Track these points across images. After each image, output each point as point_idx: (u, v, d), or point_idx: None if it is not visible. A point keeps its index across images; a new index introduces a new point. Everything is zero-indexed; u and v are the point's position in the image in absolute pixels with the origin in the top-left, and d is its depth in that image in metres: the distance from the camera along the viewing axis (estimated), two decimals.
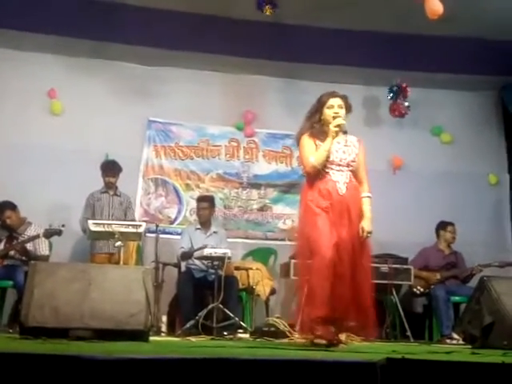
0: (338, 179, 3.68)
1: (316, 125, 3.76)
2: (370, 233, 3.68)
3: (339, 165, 3.70)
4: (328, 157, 3.68)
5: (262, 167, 6.98)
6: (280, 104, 6.87)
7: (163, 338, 4.67)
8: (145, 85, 6.71)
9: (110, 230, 4.74)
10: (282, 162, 7.00)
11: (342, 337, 3.72)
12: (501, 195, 7.18)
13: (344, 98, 3.79)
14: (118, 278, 3.82)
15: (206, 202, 5.97)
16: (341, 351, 3.22)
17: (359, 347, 3.69)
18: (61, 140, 6.33)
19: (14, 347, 2.95)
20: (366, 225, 3.68)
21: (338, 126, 3.67)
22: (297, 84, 7.03)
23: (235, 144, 6.99)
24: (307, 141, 3.74)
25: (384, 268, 5.71)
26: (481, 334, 4.09)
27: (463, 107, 7.24)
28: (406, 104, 7.00)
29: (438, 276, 5.93)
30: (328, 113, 3.71)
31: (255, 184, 6.92)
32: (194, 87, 6.81)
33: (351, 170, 3.73)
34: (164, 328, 5.51)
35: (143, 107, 6.65)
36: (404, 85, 6.97)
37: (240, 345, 3.87)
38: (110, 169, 5.82)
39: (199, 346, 3.55)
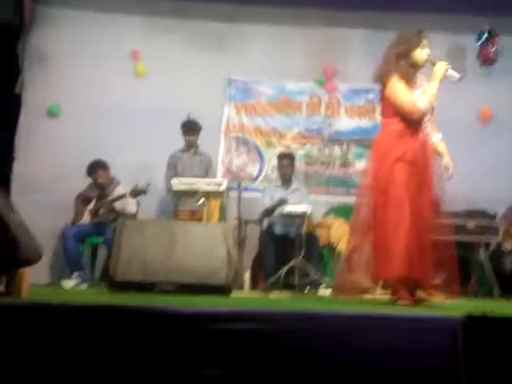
0: (427, 130, 3.52)
1: (403, 67, 3.47)
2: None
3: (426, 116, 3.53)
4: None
5: (344, 123, 6.86)
6: (362, 56, 6.66)
7: (245, 293, 4.77)
8: (225, 42, 6.71)
9: (193, 188, 4.84)
10: (364, 117, 6.85)
11: (425, 294, 3.62)
12: None
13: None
14: (200, 234, 3.95)
15: (287, 160, 5.98)
16: (422, 307, 3.17)
17: (443, 304, 3.61)
18: (145, 101, 6.46)
19: (102, 300, 3.12)
20: (449, 162, 3.55)
21: (447, 70, 3.46)
22: (380, 34, 6.74)
23: (316, 100, 6.89)
24: (401, 82, 3.43)
25: (470, 225, 5.53)
26: None
27: None
28: (495, 49, 6.65)
29: None
30: (421, 53, 3.47)
31: (337, 140, 6.83)
32: (273, 43, 6.75)
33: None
34: (247, 284, 5.62)
35: (224, 65, 6.65)
36: (494, 31, 6.62)
37: (319, 301, 3.90)
38: (190, 128, 5.93)
39: (279, 301, 3.60)
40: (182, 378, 2.23)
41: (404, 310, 2.90)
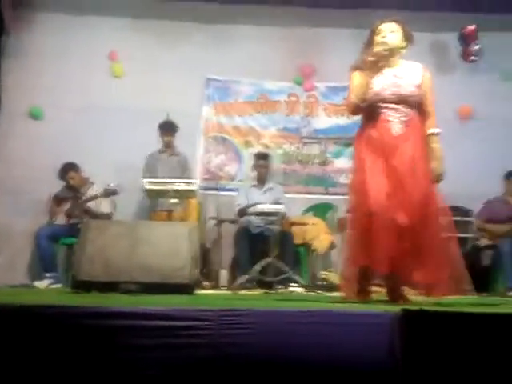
0: (393, 118, 3.23)
1: (362, 57, 3.29)
2: (441, 175, 3.23)
3: (392, 102, 3.24)
4: (365, 93, 3.21)
5: (323, 121, 6.88)
6: (340, 55, 6.65)
7: (210, 291, 4.78)
8: (203, 42, 6.73)
9: (164, 188, 4.87)
10: (342, 115, 6.85)
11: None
12: None
13: (400, 22, 3.29)
14: (164, 233, 3.95)
15: (264, 159, 6.02)
16: (365, 303, 3.14)
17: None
18: (122, 101, 6.47)
19: (61, 300, 3.13)
20: (435, 166, 3.21)
21: (375, 54, 3.21)
22: (358, 33, 6.77)
23: (294, 99, 6.91)
24: (356, 77, 3.29)
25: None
26: None
27: None
28: (477, 47, 6.69)
29: (504, 228, 5.71)
30: (377, 41, 3.26)
31: (316, 138, 6.85)
32: (251, 43, 6.78)
33: (412, 105, 3.26)
34: (224, 282, 5.65)
35: (202, 65, 6.66)
36: (472, 27, 6.65)
37: (276, 297, 3.92)
38: (167, 128, 5.98)
39: (236, 298, 3.61)
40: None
41: (346, 305, 2.89)
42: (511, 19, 6.62)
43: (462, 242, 5.75)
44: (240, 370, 2.19)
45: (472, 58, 6.77)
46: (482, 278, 5.65)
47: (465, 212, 5.80)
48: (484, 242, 5.69)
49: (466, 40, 6.77)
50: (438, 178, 3.25)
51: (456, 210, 5.73)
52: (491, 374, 2.21)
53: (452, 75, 6.92)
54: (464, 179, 6.43)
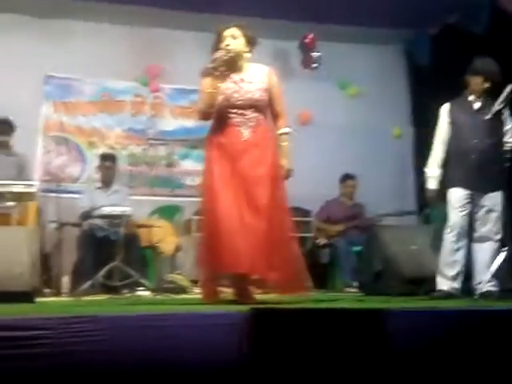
0: (241, 123, 3.32)
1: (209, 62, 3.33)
2: (290, 170, 3.42)
3: (240, 107, 3.32)
4: (214, 98, 3.29)
5: (169, 123, 6.84)
6: (186, 58, 6.68)
7: (52, 298, 4.56)
8: (42, 38, 6.40)
9: None
10: (189, 118, 6.86)
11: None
12: (404, 148, 7.34)
13: (241, 26, 3.38)
14: (0, 239, 3.70)
15: (108, 161, 5.87)
16: (216, 304, 3.20)
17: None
18: None
19: None
20: (284, 163, 3.39)
21: (217, 60, 3.27)
22: (204, 36, 6.82)
23: (140, 99, 6.80)
24: (205, 82, 3.34)
25: None
26: (372, 281, 4.24)
27: (369, 61, 7.30)
28: (316, 55, 7.02)
29: (340, 227, 6.08)
30: (220, 46, 3.31)
31: (162, 140, 6.80)
32: (95, 40, 6.55)
33: (260, 109, 3.37)
34: (67, 289, 5.42)
35: (39, 62, 6.30)
36: (311, 36, 6.98)
37: (122, 302, 3.85)
38: (2, 127, 5.59)
39: (80, 305, 3.49)
40: None
41: (195, 307, 2.92)
42: (348, 30, 7.04)
43: (302, 241, 6.06)
44: (89, 378, 2.13)
45: (312, 65, 7.10)
46: (321, 276, 5.98)
47: (304, 212, 6.10)
48: (322, 240, 6.02)
49: (305, 48, 7.11)
50: (287, 174, 3.43)
51: (296, 211, 6.01)
52: (335, 365, 2.34)
53: (293, 82, 7.17)
54: (304, 181, 6.73)
